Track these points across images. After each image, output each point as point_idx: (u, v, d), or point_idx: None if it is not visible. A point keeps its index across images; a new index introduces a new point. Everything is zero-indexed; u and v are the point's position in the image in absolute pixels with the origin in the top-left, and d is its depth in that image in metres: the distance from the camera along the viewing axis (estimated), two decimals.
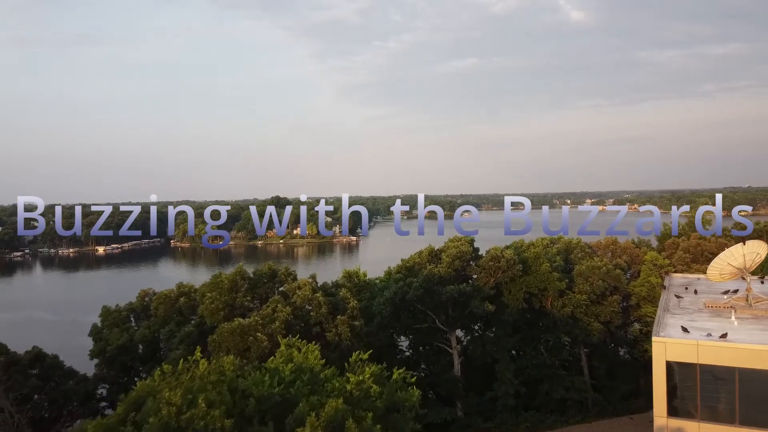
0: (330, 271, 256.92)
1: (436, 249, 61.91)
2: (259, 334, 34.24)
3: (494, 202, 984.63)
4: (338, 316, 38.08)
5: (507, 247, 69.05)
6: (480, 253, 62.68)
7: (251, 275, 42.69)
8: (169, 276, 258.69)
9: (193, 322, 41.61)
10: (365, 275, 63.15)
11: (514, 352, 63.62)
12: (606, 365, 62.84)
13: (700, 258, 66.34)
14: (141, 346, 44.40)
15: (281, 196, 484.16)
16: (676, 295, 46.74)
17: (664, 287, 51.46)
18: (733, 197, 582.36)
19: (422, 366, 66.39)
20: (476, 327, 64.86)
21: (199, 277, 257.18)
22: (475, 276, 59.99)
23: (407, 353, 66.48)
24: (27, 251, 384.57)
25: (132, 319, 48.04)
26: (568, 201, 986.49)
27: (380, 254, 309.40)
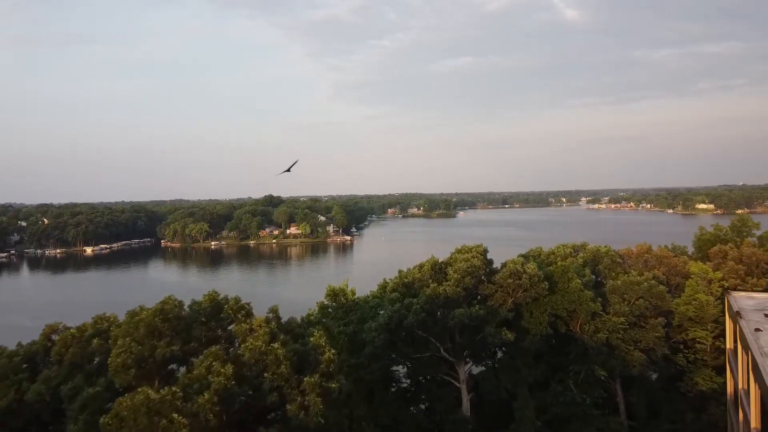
0: (321, 272, 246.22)
1: (440, 261, 50.58)
2: (176, 415, 22.94)
3: (490, 200, 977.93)
4: (306, 378, 26.56)
5: (523, 256, 57.93)
6: (495, 265, 51.47)
7: (186, 309, 31.04)
8: (159, 278, 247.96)
9: (106, 377, 29.87)
10: (354, 293, 51.87)
11: (533, 381, 52.49)
12: (646, 401, 51.89)
13: (755, 270, 55.47)
14: (38, 405, 32.60)
15: (275, 195, 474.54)
16: (756, 329, 35.57)
17: (739, 315, 40.38)
18: (729, 195, 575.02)
19: (422, 397, 55.47)
20: (489, 354, 53.69)
21: (189, 279, 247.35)
22: (488, 294, 48.76)
23: (404, 384, 55.50)
24: (13, 252, 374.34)
25: (38, 364, 35.95)
26: (564, 199, 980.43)
27: (375, 255, 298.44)
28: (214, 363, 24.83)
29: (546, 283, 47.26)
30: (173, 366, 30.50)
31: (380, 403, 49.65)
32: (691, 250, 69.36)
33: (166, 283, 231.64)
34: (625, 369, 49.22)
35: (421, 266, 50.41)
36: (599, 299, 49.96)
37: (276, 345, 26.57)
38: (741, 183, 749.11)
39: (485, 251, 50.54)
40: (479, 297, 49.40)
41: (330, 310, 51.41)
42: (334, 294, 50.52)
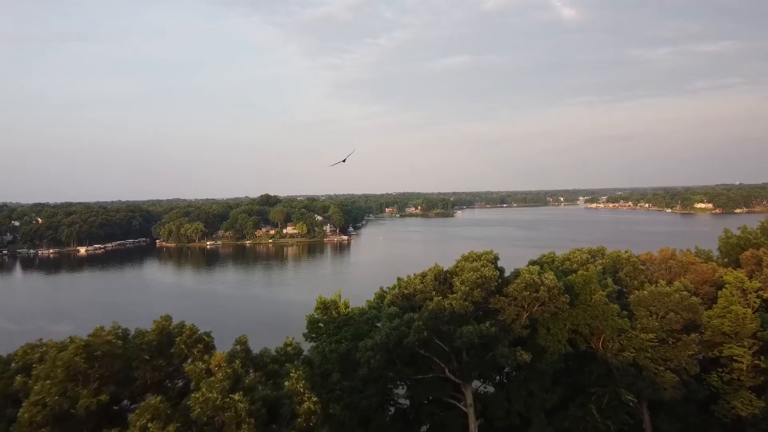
0: (317, 272, 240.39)
1: (445, 270, 44.63)
2: None
3: (488, 199, 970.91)
4: None
5: (536, 263, 52.21)
6: (506, 273, 45.54)
7: (123, 342, 24.42)
8: (153, 279, 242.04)
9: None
10: (347, 305, 46.01)
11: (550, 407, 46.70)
12: (677, 427, 46.06)
13: None
14: None
15: (271, 194, 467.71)
16: None
17: None
18: (728, 195, 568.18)
19: (424, 421, 49.73)
20: (501, 378, 47.87)
21: (184, 280, 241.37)
22: (500, 308, 42.86)
23: (404, 405, 49.81)
24: (5, 252, 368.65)
25: None
26: (562, 198, 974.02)
27: (372, 255, 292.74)
28: (150, 425, 18.72)
29: (567, 296, 41.37)
30: (125, 403, 24.36)
31: (377, 429, 44.04)
32: (715, 254, 63.76)
33: (160, 283, 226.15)
34: (654, 392, 43.40)
35: (423, 275, 44.39)
36: (624, 313, 44.21)
37: (237, 396, 20.21)
38: (738, 182, 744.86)
39: (496, 258, 44.62)
40: (489, 311, 43.59)
41: (321, 324, 45.73)
42: (324, 307, 44.71)
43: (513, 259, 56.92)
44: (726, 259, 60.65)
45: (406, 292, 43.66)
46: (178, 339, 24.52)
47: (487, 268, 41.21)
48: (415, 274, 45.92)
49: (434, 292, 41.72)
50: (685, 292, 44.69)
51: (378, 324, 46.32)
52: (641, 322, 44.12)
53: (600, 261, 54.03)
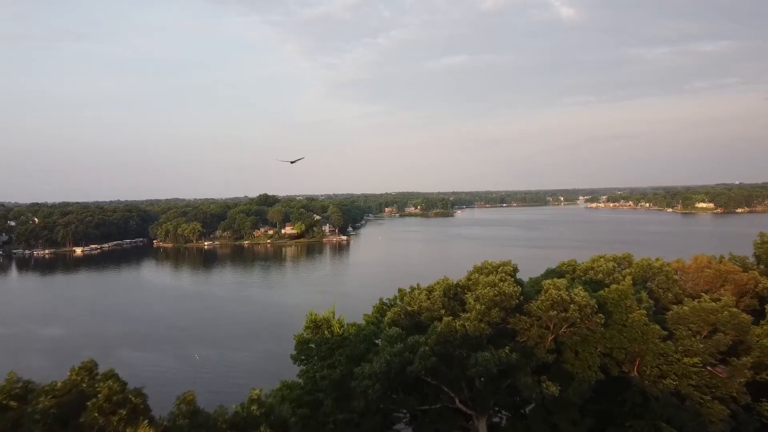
0: (315, 273, 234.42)
1: (455, 284, 38.24)
2: None
3: (488, 199, 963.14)
4: None
5: (555, 273, 46.01)
6: (521, 281, 39.18)
7: (21, 403, 17.62)
8: (150, 280, 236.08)
9: None
10: (341, 323, 39.74)
11: None
12: None
13: None
14: None
15: (270, 194, 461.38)
16: None
17: None
18: (729, 194, 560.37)
19: None
20: (518, 400, 41.55)
21: (182, 282, 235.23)
22: (520, 329, 36.55)
23: None
24: (0, 252, 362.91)
25: None
26: (562, 198, 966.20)
27: (372, 256, 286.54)
28: None
29: (601, 315, 35.04)
30: None
31: None
32: (750, 260, 57.54)
33: (155, 285, 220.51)
34: (699, 425, 37.16)
35: (429, 290, 38.01)
36: (664, 333, 37.97)
37: None
38: (738, 182, 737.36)
39: (515, 270, 38.30)
40: (505, 329, 37.33)
41: (311, 345, 39.58)
42: (315, 326, 38.44)
43: (516, 260, 50.89)
44: (764, 266, 54.55)
45: (409, 309, 37.39)
46: (90, 403, 17.63)
47: (506, 283, 34.82)
48: (420, 288, 39.71)
49: (443, 311, 35.45)
50: (734, 309, 38.55)
51: (377, 341, 40.36)
52: (683, 343, 37.94)
53: (627, 270, 47.84)
